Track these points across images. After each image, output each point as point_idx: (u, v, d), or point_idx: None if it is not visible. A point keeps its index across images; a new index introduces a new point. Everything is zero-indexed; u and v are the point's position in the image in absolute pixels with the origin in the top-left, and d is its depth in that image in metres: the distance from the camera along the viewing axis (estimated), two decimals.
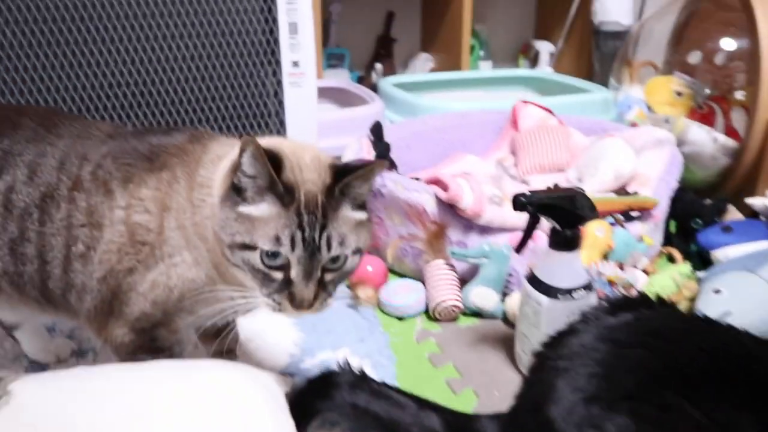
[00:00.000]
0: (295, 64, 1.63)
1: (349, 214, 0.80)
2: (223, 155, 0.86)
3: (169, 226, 0.84)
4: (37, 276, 0.89)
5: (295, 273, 0.77)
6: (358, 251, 0.82)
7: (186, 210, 0.84)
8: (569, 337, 0.80)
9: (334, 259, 0.79)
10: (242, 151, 0.75)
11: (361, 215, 0.82)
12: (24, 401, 0.71)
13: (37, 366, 1.18)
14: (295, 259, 0.77)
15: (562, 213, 1.06)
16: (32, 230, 0.87)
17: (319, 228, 0.76)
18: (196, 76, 1.56)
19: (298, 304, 0.78)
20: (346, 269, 0.82)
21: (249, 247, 0.76)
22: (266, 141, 0.83)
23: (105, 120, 1.51)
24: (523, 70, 2.98)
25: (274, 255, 0.76)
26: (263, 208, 0.77)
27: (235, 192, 0.77)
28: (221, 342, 1.07)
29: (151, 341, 0.90)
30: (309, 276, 0.77)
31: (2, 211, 0.88)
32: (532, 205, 1.05)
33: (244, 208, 0.77)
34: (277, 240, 0.75)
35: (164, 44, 1.52)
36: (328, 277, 0.80)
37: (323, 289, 0.80)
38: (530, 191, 1.06)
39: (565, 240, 1.08)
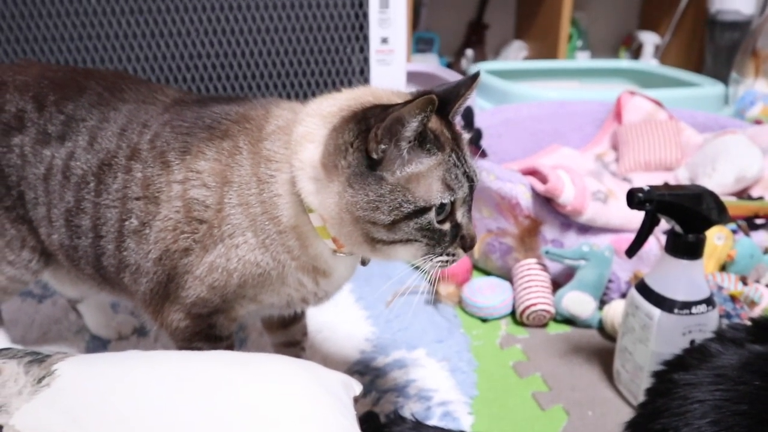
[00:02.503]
0: (384, 40, 1.53)
1: (465, 136, 0.76)
2: (284, 125, 0.76)
3: (230, 202, 0.75)
4: (92, 251, 0.83)
5: (460, 214, 0.73)
6: None
7: (251, 186, 0.75)
8: (703, 360, 0.66)
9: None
10: (414, 114, 0.65)
11: (465, 134, 0.77)
12: (66, 384, 0.65)
13: (98, 341, 1.14)
14: (460, 200, 0.72)
15: (686, 214, 0.91)
16: (88, 200, 0.81)
17: (465, 160, 0.72)
18: (278, 50, 1.49)
19: (470, 245, 0.74)
20: None
21: (424, 210, 0.69)
22: (351, 95, 0.75)
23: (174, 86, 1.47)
24: (625, 62, 2.79)
25: (443, 205, 0.70)
26: (420, 164, 0.69)
27: (370, 166, 0.68)
28: (287, 333, 0.99)
29: (209, 328, 0.82)
30: (470, 210, 0.74)
31: (61, 179, 0.82)
32: (651, 202, 0.91)
33: (400, 174, 0.68)
34: (449, 187, 0.70)
35: (247, 14, 1.45)
36: None
37: None
38: (649, 186, 0.91)
39: (687, 246, 0.93)
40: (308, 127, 0.73)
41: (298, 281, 0.79)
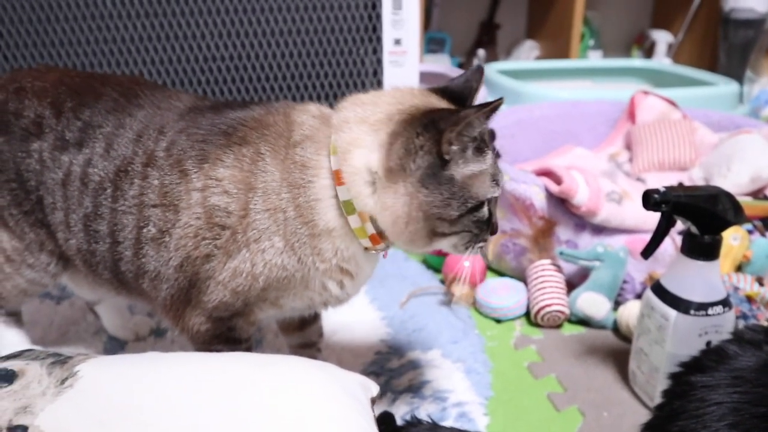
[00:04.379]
0: (397, 41, 1.53)
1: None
2: (312, 133, 0.78)
3: (256, 208, 0.76)
4: (109, 256, 0.84)
5: (493, 204, 0.78)
6: None
7: (281, 192, 0.76)
8: (721, 362, 0.66)
9: None
10: (488, 115, 0.72)
11: None
12: (89, 385, 0.66)
13: (115, 342, 1.16)
14: (498, 191, 0.78)
15: (702, 214, 0.91)
16: (105, 206, 0.82)
17: (494, 153, 0.78)
18: (292, 52, 1.49)
19: (495, 230, 0.80)
20: None
21: (482, 204, 0.76)
22: (392, 100, 0.77)
23: (189, 89, 1.48)
24: (638, 61, 2.77)
25: (490, 198, 0.76)
26: (478, 163, 0.75)
27: (441, 166, 0.73)
28: (303, 334, 1.00)
29: (229, 331, 0.83)
30: (497, 201, 0.80)
31: (79, 185, 0.83)
32: (668, 203, 0.90)
33: (465, 172, 0.74)
34: (496, 182, 0.77)
35: (261, 17, 1.46)
36: None
37: None
38: (665, 187, 0.91)
39: (703, 246, 0.92)
40: (354, 134, 0.75)
41: (321, 285, 0.80)
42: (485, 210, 0.76)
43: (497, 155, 1.38)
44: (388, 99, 0.77)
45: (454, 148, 0.72)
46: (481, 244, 0.79)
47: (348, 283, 0.82)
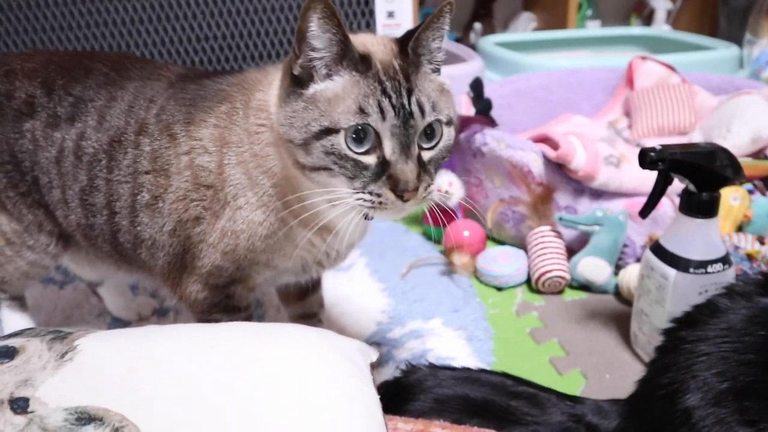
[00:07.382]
0: (390, 14, 1.53)
1: (430, 76, 0.72)
2: (279, 78, 0.76)
3: (229, 162, 0.76)
4: (107, 228, 0.85)
5: (389, 149, 0.67)
6: (450, 122, 0.71)
7: (243, 141, 0.76)
8: (711, 315, 0.66)
9: (430, 131, 0.69)
10: (307, 17, 0.64)
11: (442, 80, 0.73)
12: (88, 358, 0.66)
13: (119, 323, 1.16)
14: (387, 132, 0.66)
15: (699, 172, 0.90)
16: (101, 178, 0.83)
17: (406, 92, 0.67)
18: (285, 28, 1.49)
19: (402, 189, 0.66)
20: (443, 145, 0.70)
21: (330, 131, 0.66)
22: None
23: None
24: (636, 28, 2.75)
25: (363, 131, 0.66)
26: (337, 82, 0.67)
27: (297, 83, 0.68)
28: (304, 304, 1.00)
29: (227, 299, 0.83)
30: (407, 150, 0.67)
31: (73, 160, 0.84)
32: (664, 161, 0.90)
33: (313, 89, 0.68)
34: (362, 111, 0.65)
35: None
36: (426, 156, 0.69)
37: (424, 170, 0.68)
38: (661, 145, 0.91)
39: (701, 204, 0.92)
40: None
41: (308, 241, 0.79)
42: (337, 140, 0.65)
43: (493, 124, 1.35)
44: None
45: (300, 60, 0.67)
46: (363, 197, 0.67)
47: (331, 239, 0.78)
